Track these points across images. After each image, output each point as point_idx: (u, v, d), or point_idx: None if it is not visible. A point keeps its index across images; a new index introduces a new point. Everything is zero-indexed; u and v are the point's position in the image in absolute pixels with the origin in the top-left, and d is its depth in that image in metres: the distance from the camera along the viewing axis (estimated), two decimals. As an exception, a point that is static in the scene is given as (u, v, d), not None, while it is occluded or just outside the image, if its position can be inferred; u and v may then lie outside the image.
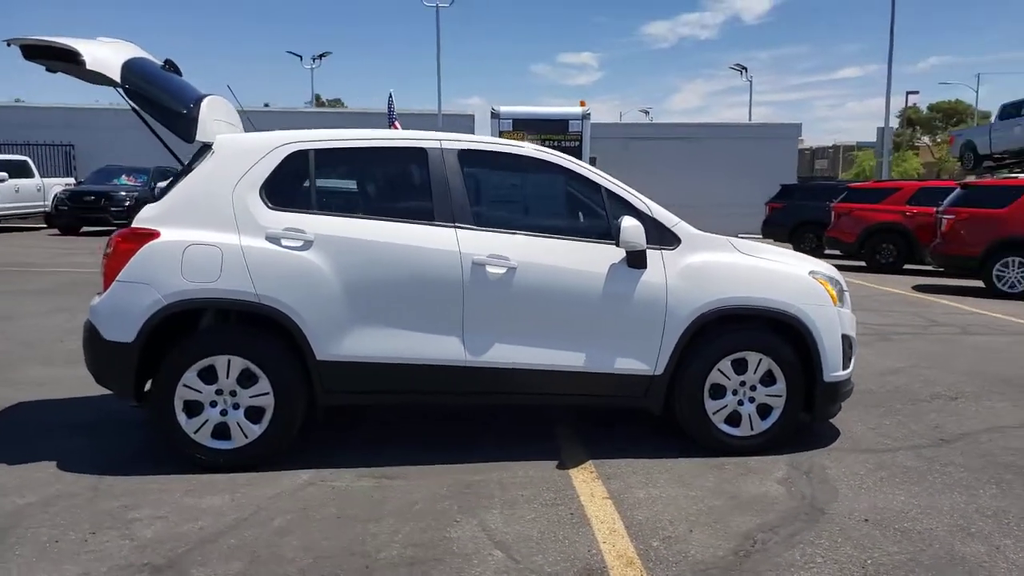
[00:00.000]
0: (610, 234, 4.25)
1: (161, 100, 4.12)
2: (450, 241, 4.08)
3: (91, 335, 3.97)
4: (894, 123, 79.23)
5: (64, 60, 4.01)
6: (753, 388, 4.35)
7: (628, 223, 4.07)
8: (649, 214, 4.29)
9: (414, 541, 3.26)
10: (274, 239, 3.99)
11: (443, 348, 4.09)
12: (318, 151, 4.17)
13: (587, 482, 3.94)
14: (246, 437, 4.00)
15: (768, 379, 4.35)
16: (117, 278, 3.91)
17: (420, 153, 4.25)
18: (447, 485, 3.87)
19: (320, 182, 4.19)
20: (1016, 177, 12.50)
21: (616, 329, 4.20)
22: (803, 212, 18.19)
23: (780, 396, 4.36)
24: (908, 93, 56.33)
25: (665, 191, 23.61)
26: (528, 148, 4.37)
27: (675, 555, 3.18)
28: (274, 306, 3.92)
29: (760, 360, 4.32)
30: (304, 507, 3.59)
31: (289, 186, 4.12)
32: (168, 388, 3.92)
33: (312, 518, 3.48)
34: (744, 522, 3.50)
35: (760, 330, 4.34)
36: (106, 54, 3.98)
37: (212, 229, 3.98)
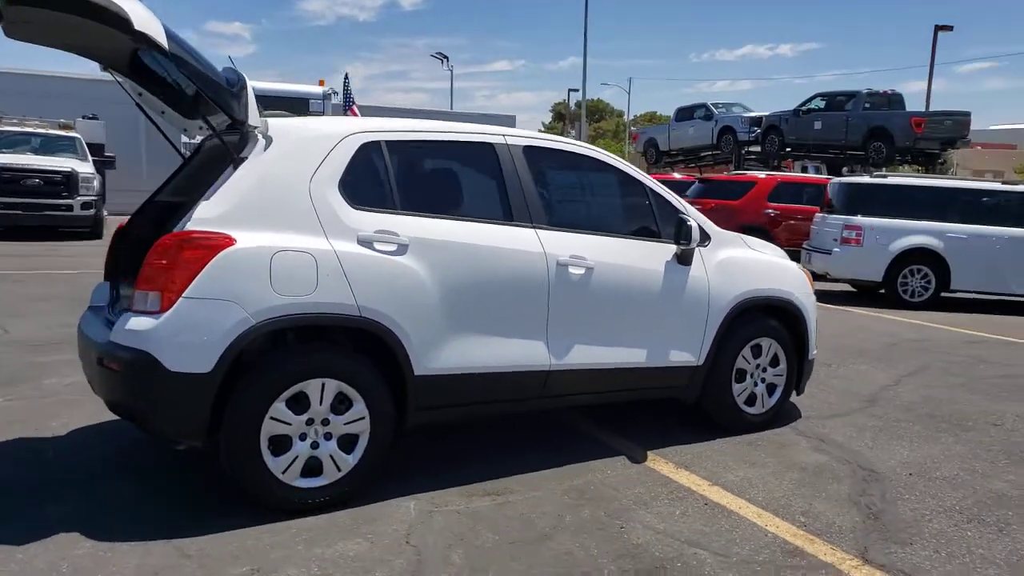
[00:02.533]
0: (657, 232, 4.43)
1: (209, 74, 3.38)
2: (534, 242, 3.95)
3: (143, 367, 3.14)
4: (547, 118, 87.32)
5: (89, 17, 3.10)
6: (764, 370, 4.84)
7: (692, 223, 4.29)
8: (686, 213, 4.53)
9: (615, 553, 3.19)
10: (366, 243, 3.51)
11: (530, 353, 3.95)
12: (390, 143, 3.74)
13: (676, 472, 4.10)
14: (339, 470, 3.49)
15: (774, 361, 4.87)
16: (184, 294, 3.15)
17: (489, 149, 4.02)
18: (562, 493, 3.78)
19: (397, 178, 3.74)
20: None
21: (672, 323, 4.40)
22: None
23: (782, 375, 4.91)
24: (570, 90, 62.49)
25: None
26: (585, 147, 4.37)
27: (829, 526, 3.52)
28: (376, 319, 3.47)
29: (770, 345, 4.82)
30: (460, 536, 3.28)
31: (366, 182, 3.65)
32: (252, 424, 3.27)
33: (482, 548, 3.20)
34: (839, 489, 3.95)
35: (770, 317, 4.83)
36: (147, 14, 3.15)
37: (293, 232, 3.39)
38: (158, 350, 3.13)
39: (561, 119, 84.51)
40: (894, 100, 21.01)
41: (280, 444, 3.36)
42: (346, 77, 16.53)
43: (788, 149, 22.53)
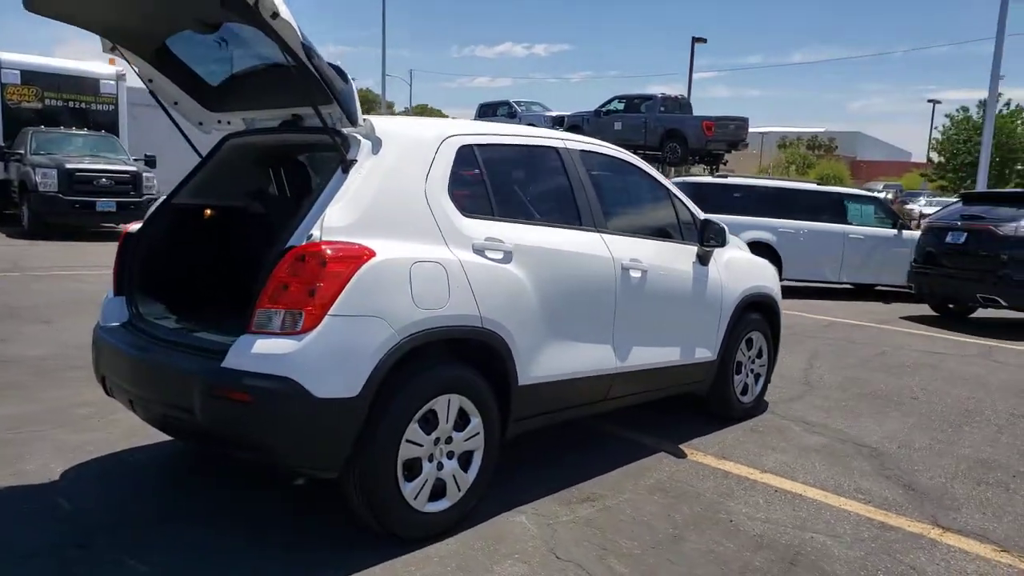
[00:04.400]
0: (679, 235, 4.64)
1: (332, 68, 3.05)
2: (602, 247, 3.99)
3: (286, 395, 2.78)
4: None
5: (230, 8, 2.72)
6: (753, 361, 5.23)
7: (724, 226, 4.54)
8: (700, 216, 4.78)
9: (748, 546, 3.34)
10: (480, 251, 3.36)
11: (602, 357, 3.99)
12: (480, 146, 3.59)
13: (721, 463, 4.33)
14: (459, 490, 3.32)
15: (759, 353, 5.28)
16: (330, 311, 2.83)
17: (555, 153, 3.99)
18: (647, 493, 3.85)
19: (491, 183, 3.60)
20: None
21: (698, 322, 4.64)
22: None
23: (764, 365, 5.34)
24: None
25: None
26: (622, 151, 4.46)
27: (885, 500, 3.92)
28: (494, 330, 3.34)
29: (758, 337, 5.22)
30: (601, 546, 3.26)
31: (468, 187, 3.48)
32: (391, 448, 3.02)
33: (631, 554, 3.21)
34: (862, 466, 4.40)
35: (757, 312, 5.22)
36: (281, 1, 2.78)
37: (418, 241, 3.16)
38: (303, 375, 2.79)
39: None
40: (684, 104, 23.07)
41: (411, 468, 3.13)
42: None
43: (591, 148, 23.77)
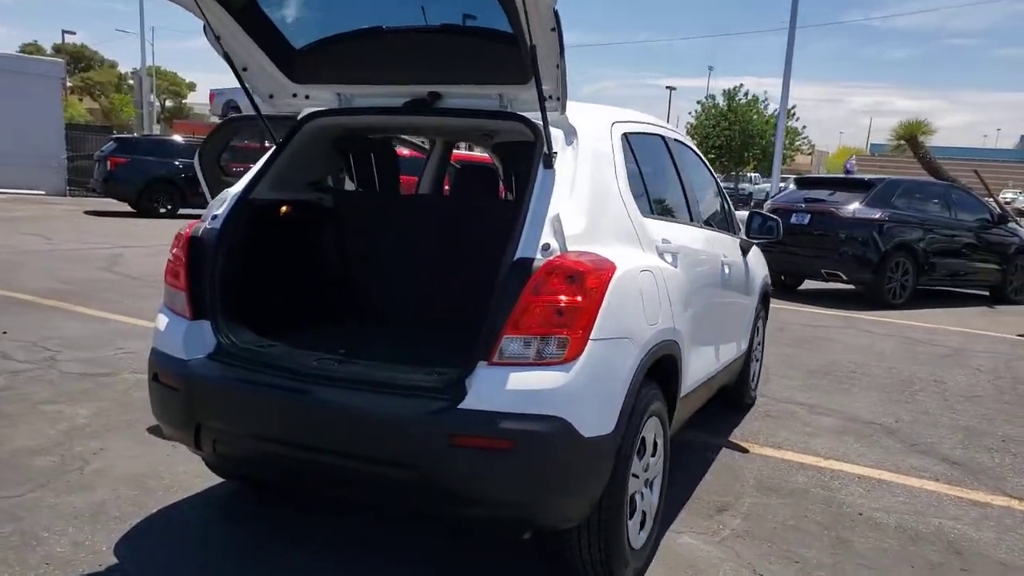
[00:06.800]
0: (726, 226, 4.59)
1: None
2: (709, 243, 3.83)
3: (556, 438, 2.31)
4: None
5: None
6: (756, 348, 5.34)
7: (777, 218, 4.55)
8: (729, 205, 4.76)
9: (900, 539, 3.39)
10: (661, 254, 3.05)
11: (712, 358, 3.85)
12: (631, 135, 3.25)
13: (781, 453, 4.39)
14: (651, 519, 3.02)
15: (760, 340, 5.41)
16: (591, 335, 2.39)
17: (663, 142, 3.74)
18: (762, 495, 3.79)
19: (644, 176, 3.26)
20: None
21: (746, 313, 4.67)
22: (154, 168, 16.88)
23: (761, 351, 5.49)
24: (64, 32, 53.82)
25: None
26: (688, 139, 4.28)
27: (943, 474, 4.20)
28: (678, 340, 3.06)
29: (762, 325, 5.35)
30: (786, 557, 3.14)
31: (634, 181, 3.12)
32: (624, 484, 2.64)
33: (822, 562, 3.13)
34: (892, 444, 4.68)
35: (761, 301, 5.32)
36: None
37: (625, 245, 2.79)
38: (572, 412, 2.34)
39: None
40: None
41: (633, 504, 2.78)
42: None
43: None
